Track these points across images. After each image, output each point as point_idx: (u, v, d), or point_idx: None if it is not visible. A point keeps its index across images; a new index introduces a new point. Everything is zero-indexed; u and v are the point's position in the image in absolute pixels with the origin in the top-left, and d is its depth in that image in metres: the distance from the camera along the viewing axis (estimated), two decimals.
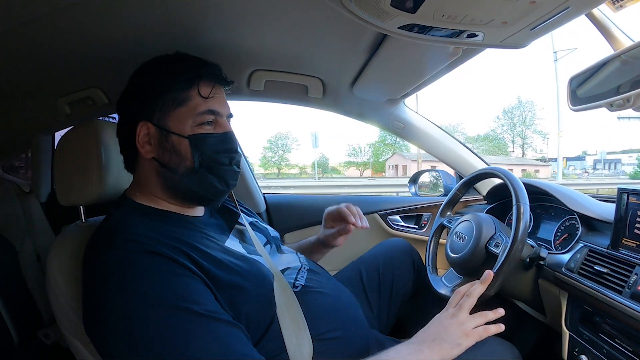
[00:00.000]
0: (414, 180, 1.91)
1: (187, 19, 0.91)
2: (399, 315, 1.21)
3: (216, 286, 0.70)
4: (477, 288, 0.85)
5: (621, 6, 0.82)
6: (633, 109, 0.77)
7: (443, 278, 1.16)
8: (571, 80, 0.91)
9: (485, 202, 1.59)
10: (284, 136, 34.93)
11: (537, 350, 1.26)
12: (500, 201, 1.45)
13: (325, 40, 1.03)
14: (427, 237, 1.30)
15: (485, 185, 1.58)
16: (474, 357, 0.81)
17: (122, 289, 0.63)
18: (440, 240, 1.30)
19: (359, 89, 1.35)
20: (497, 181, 1.44)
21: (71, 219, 0.94)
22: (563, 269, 0.95)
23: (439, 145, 1.65)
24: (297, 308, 0.80)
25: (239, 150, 0.86)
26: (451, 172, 1.81)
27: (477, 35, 0.76)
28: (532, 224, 1.23)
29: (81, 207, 0.92)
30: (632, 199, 0.87)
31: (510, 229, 0.95)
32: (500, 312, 0.81)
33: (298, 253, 1.01)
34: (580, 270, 0.92)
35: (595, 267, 0.87)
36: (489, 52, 0.95)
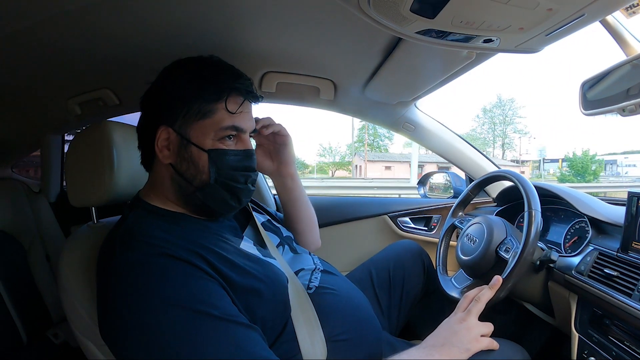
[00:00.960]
0: (422, 182, 1.91)
1: (200, 20, 0.91)
2: (409, 316, 1.21)
3: (233, 289, 0.70)
4: (486, 293, 0.86)
5: (634, 12, 0.82)
6: None
7: (453, 279, 1.16)
8: (583, 84, 0.91)
9: (495, 204, 1.60)
10: None
11: (546, 353, 1.26)
12: (510, 203, 1.45)
13: (339, 42, 1.03)
14: (437, 239, 1.31)
15: (496, 188, 1.58)
16: (482, 359, 0.81)
17: (139, 292, 0.63)
18: (451, 243, 1.30)
19: (370, 91, 1.35)
20: (507, 183, 1.45)
21: (80, 219, 0.94)
22: (573, 272, 0.95)
23: (450, 147, 1.65)
24: (311, 310, 0.81)
25: (256, 168, 0.84)
26: (461, 174, 1.81)
27: (492, 40, 0.76)
28: (542, 226, 1.23)
29: (93, 208, 0.92)
30: None
31: (521, 232, 0.96)
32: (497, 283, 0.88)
33: (312, 254, 1.01)
34: (590, 273, 0.92)
35: (605, 270, 0.87)
36: None
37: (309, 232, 1.17)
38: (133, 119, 0.90)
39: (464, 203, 1.32)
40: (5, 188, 1.53)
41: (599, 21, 0.82)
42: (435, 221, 1.72)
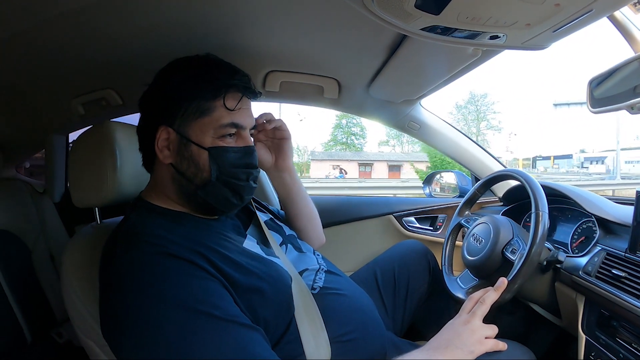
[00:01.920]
0: (428, 181, 1.91)
1: (203, 21, 0.91)
2: (414, 317, 1.20)
3: (235, 289, 0.69)
4: (491, 295, 0.85)
5: None
6: None
7: (458, 279, 1.15)
8: (591, 81, 0.90)
9: (501, 204, 1.59)
10: None
11: (552, 354, 1.25)
12: (517, 203, 1.44)
13: (343, 41, 1.03)
14: (443, 239, 1.30)
15: (502, 187, 1.57)
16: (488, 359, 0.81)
17: (140, 291, 0.63)
18: (457, 242, 1.30)
19: (375, 90, 1.35)
20: (513, 183, 1.44)
21: (84, 220, 0.95)
22: (580, 273, 0.94)
23: (455, 146, 1.64)
24: (315, 310, 0.80)
25: (257, 165, 0.84)
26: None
27: (499, 37, 0.75)
28: (549, 226, 1.22)
29: (96, 208, 0.92)
30: None
31: (528, 232, 0.95)
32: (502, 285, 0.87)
33: (316, 253, 1.00)
34: (597, 274, 0.91)
35: (613, 271, 0.86)
36: None
37: (312, 228, 1.16)
38: (136, 119, 0.90)
39: (470, 202, 1.31)
40: (10, 188, 1.53)
41: (608, 17, 0.81)
42: (441, 221, 1.71)
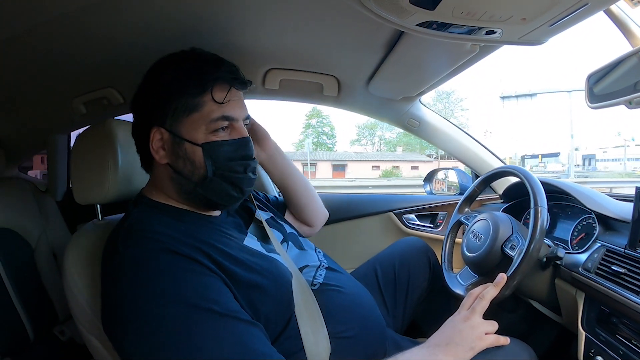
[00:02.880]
0: (429, 179, 1.90)
1: (203, 19, 0.91)
2: (414, 314, 1.20)
3: (236, 285, 0.69)
4: (490, 291, 0.85)
5: (639, 2, 0.81)
6: None
7: (458, 276, 1.15)
8: (589, 77, 0.90)
9: (502, 200, 1.58)
10: None
11: (553, 351, 1.25)
12: (517, 200, 1.44)
13: (341, 38, 1.03)
14: (443, 236, 1.30)
15: (502, 184, 1.57)
16: (491, 357, 0.80)
17: (141, 287, 0.63)
18: (457, 239, 1.29)
19: (374, 87, 1.35)
20: (513, 179, 1.43)
21: (87, 218, 0.95)
22: (580, 269, 0.94)
23: (455, 143, 1.64)
24: (315, 306, 0.80)
25: (254, 156, 0.83)
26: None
27: (495, 32, 0.75)
28: (548, 224, 1.22)
29: (97, 205, 0.93)
30: None
31: (527, 228, 0.95)
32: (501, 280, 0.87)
33: (317, 250, 1.01)
34: (597, 271, 0.90)
35: (613, 268, 0.86)
36: None
37: (313, 203, 1.18)
38: None
39: (470, 199, 1.31)
40: (13, 187, 1.54)
41: (605, 12, 0.81)
42: (441, 218, 1.71)
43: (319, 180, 22.29)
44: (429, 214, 1.74)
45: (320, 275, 0.89)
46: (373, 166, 29.54)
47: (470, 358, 0.75)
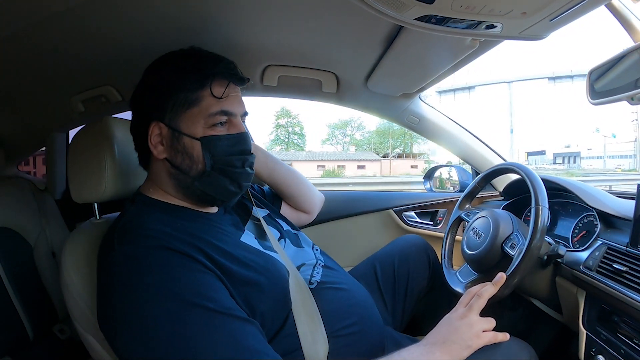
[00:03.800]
0: (429, 176, 1.90)
1: (200, 15, 0.91)
2: (414, 312, 1.20)
3: (231, 282, 0.69)
4: (489, 289, 0.85)
5: None
6: None
7: (458, 273, 1.15)
8: (590, 73, 0.89)
9: (502, 198, 1.58)
10: None
11: (553, 350, 1.24)
12: (518, 197, 1.43)
13: (340, 34, 1.03)
14: (443, 234, 1.29)
15: (502, 181, 1.56)
16: (490, 356, 0.80)
17: (135, 284, 0.63)
18: (457, 237, 1.29)
19: (373, 84, 1.34)
20: (514, 177, 1.43)
21: (86, 216, 0.95)
22: (581, 267, 0.93)
23: (455, 140, 1.63)
24: (312, 305, 0.80)
25: (252, 151, 0.84)
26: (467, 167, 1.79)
27: (495, 27, 0.74)
28: (549, 221, 1.21)
29: (95, 204, 0.93)
30: None
31: (528, 227, 0.94)
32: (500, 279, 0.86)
33: (314, 247, 1.00)
34: (598, 269, 0.90)
35: (614, 265, 0.85)
36: None
37: (305, 190, 1.19)
38: None
39: (471, 195, 1.30)
40: (11, 186, 1.54)
41: (606, 7, 0.80)
42: (441, 215, 1.70)
43: None
44: (428, 212, 1.73)
45: (318, 273, 0.89)
46: (318, 165, 29.38)
47: (467, 355, 0.75)
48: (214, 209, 0.88)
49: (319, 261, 0.93)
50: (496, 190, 1.65)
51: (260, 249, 0.84)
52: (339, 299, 0.86)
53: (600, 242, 0.96)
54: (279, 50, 1.16)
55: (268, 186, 1.21)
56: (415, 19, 0.72)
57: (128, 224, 0.72)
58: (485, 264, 1.04)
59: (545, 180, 1.01)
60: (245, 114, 0.85)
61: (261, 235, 0.92)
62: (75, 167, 0.90)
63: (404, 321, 1.17)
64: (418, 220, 1.72)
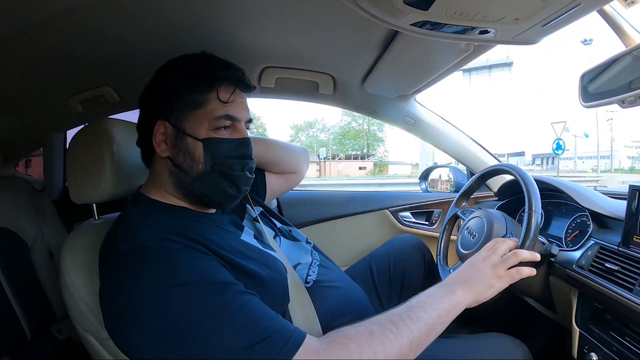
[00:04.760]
0: (424, 176, 1.91)
1: (198, 17, 0.91)
2: None
3: (235, 274, 0.70)
4: (511, 242, 0.87)
5: (632, 2, 0.81)
6: None
7: (452, 270, 1.15)
8: (583, 76, 0.90)
9: (496, 198, 1.59)
10: None
11: (547, 348, 1.26)
12: (512, 198, 1.45)
13: (337, 36, 1.03)
14: (438, 233, 1.30)
15: (497, 182, 1.57)
16: (484, 354, 0.81)
17: (145, 274, 0.63)
18: (452, 237, 1.29)
19: (369, 85, 1.35)
20: (509, 177, 1.44)
21: (83, 217, 0.95)
22: (574, 266, 0.94)
23: (450, 141, 1.64)
24: (308, 303, 0.81)
25: (252, 157, 0.85)
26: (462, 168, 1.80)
27: (489, 32, 0.76)
28: (543, 221, 1.22)
29: (94, 204, 0.93)
30: None
31: (521, 227, 0.95)
32: (536, 256, 0.85)
33: (309, 241, 1.02)
34: (591, 268, 0.91)
35: (606, 265, 0.86)
36: None
37: (283, 152, 1.20)
38: (134, 116, 0.91)
39: (467, 194, 1.31)
40: (9, 186, 1.54)
41: (598, 12, 0.81)
42: (437, 215, 1.72)
43: None
44: (424, 212, 1.75)
45: (314, 272, 0.90)
46: None
47: (490, 295, 0.77)
48: (213, 209, 0.88)
49: (315, 260, 0.94)
50: (491, 190, 1.66)
51: (260, 247, 0.85)
52: (335, 298, 0.87)
53: (593, 242, 0.97)
54: (276, 52, 1.16)
55: None
56: (410, 25, 0.73)
57: (132, 223, 0.73)
58: None
59: (538, 181, 1.02)
60: (250, 120, 0.85)
61: (258, 233, 0.93)
62: (75, 167, 0.90)
63: None
64: (413, 220, 1.73)
